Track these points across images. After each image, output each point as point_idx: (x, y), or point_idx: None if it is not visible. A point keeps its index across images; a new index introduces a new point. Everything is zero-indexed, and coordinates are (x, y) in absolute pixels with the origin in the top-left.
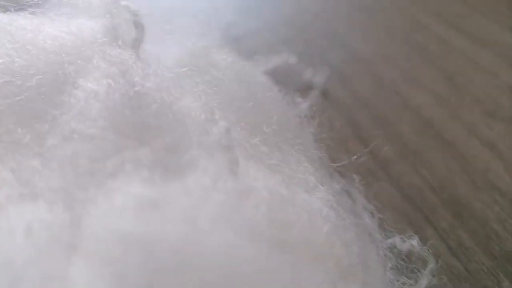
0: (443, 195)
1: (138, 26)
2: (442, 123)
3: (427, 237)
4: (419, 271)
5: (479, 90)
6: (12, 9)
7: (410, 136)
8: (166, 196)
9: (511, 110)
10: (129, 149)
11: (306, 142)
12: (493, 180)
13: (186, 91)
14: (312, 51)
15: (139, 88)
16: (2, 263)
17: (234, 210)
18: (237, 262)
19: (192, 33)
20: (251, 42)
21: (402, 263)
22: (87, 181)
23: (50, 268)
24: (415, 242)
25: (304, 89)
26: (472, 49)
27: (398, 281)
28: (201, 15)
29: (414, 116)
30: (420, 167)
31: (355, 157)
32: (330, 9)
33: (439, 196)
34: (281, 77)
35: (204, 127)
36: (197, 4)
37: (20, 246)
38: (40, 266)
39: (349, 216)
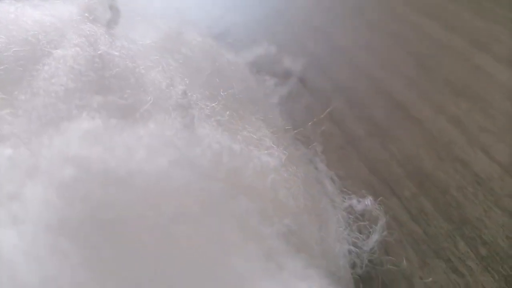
0: (408, 167)
1: (113, 9)
2: (412, 104)
3: (391, 206)
4: (371, 227)
5: (449, 72)
6: None
7: (381, 117)
8: (113, 134)
9: (478, 89)
10: (88, 100)
11: (269, 113)
12: (456, 152)
13: (151, 61)
14: (293, 41)
15: (104, 53)
16: None
17: (178, 148)
18: (168, 184)
19: (170, 20)
20: (234, 34)
21: (356, 220)
22: (48, 125)
23: (10, 189)
24: (368, 201)
25: (282, 75)
26: (443, 35)
27: (349, 235)
28: (185, 8)
29: (386, 99)
30: (388, 143)
31: (322, 129)
32: (312, 3)
33: (404, 168)
34: (259, 64)
35: (163, 90)
36: None
37: None
38: (2, 188)
39: (306, 177)
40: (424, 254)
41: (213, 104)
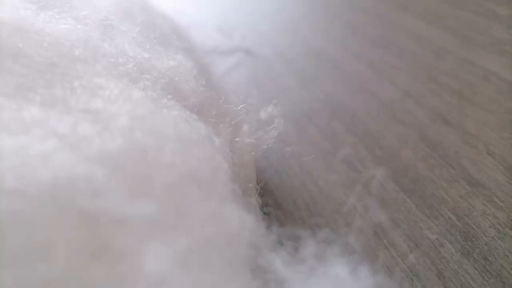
0: (326, 102)
1: None
2: (335, 55)
3: (308, 130)
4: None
5: (372, 30)
6: None
7: (306, 65)
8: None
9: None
10: None
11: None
12: (368, 86)
13: None
14: (244, 23)
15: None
16: None
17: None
18: None
19: None
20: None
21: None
22: None
23: None
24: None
25: (231, 51)
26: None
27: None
28: None
29: (316, 54)
30: (309, 84)
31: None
32: None
33: (323, 103)
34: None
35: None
36: None
37: None
38: None
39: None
40: (330, 162)
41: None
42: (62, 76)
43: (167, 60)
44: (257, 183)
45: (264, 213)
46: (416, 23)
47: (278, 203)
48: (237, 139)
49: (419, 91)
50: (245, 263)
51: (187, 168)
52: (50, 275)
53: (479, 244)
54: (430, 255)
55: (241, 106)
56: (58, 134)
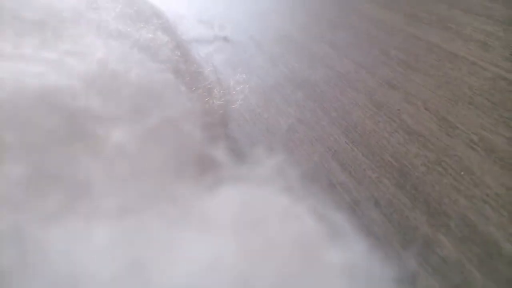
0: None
1: None
2: (299, 36)
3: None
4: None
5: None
6: None
7: (271, 43)
8: None
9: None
10: None
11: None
12: (327, 62)
13: None
14: (222, 15)
15: None
16: None
17: None
18: None
19: None
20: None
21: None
22: None
23: None
24: (240, 76)
25: (210, 38)
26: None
27: (222, 98)
28: None
29: (286, 39)
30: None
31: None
32: None
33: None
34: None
35: None
36: None
37: None
38: None
39: None
40: (291, 123)
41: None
42: (53, 29)
43: (146, 33)
44: (223, 129)
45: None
46: (371, 7)
47: (239, 146)
48: (207, 99)
49: (371, 63)
50: (192, 159)
51: (148, 87)
52: (43, 158)
53: (411, 179)
54: (370, 189)
55: (213, 75)
56: (48, 62)
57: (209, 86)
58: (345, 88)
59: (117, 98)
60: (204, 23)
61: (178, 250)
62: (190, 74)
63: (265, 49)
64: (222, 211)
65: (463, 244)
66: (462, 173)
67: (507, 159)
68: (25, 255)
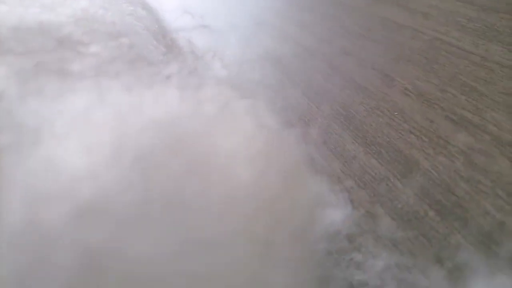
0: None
1: None
2: (272, 19)
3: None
4: None
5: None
6: None
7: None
8: None
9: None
10: None
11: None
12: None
13: None
14: (209, 9)
15: None
16: None
17: None
18: None
19: None
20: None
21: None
22: None
23: None
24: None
25: (193, 27)
26: None
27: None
28: None
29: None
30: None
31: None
32: None
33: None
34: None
35: None
36: None
37: None
38: None
39: None
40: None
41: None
42: None
43: (126, 7)
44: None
45: None
46: None
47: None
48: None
49: (331, 36)
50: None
51: (122, 28)
52: (44, 58)
53: (354, 121)
54: (321, 133)
55: (187, 45)
56: (43, 6)
57: (181, 51)
58: (307, 58)
59: (97, 36)
60: (188, 14)
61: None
62: (165, 42)
63: (240, 33)
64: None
65: (390, 165)
66: (396, 113)
67: (433, 99)
68: None
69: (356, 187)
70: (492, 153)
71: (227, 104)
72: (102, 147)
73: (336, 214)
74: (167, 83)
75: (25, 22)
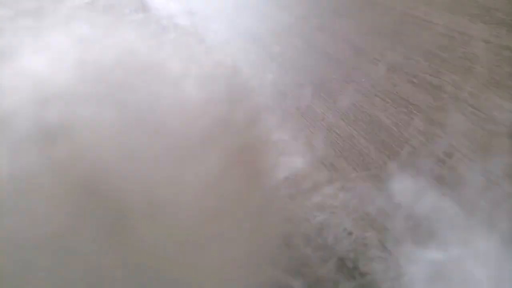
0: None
1: None
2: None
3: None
4: None
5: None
6: None
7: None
8: None
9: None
10: None
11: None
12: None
13: None
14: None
15: None
16: None
17: None
18: None
19: None
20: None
21: None
22: None
23: None
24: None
25: (179, 12)
26: None
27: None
28: None
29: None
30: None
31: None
32: None
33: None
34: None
35: None
36: None
37: None
38: None
39: None
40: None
41: None
42: None
43: None
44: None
45: None
46: None
47: None
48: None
49: (307, 15)
50: None
51: None
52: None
53: (325, 89)
54: (296, 99)
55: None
56: None
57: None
58: (284, 35)
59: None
60: (176, 2)
61: None
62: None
63: (226, 16)
64: None
65: (355, 124)
66: (363, 80)
67: (398, 66)
68: None
69: (322, 144)
70: (448, 109)
71: (191, 48)
72: (66, 59)
73: (299, 162)
74: (133, 26)
75: None
